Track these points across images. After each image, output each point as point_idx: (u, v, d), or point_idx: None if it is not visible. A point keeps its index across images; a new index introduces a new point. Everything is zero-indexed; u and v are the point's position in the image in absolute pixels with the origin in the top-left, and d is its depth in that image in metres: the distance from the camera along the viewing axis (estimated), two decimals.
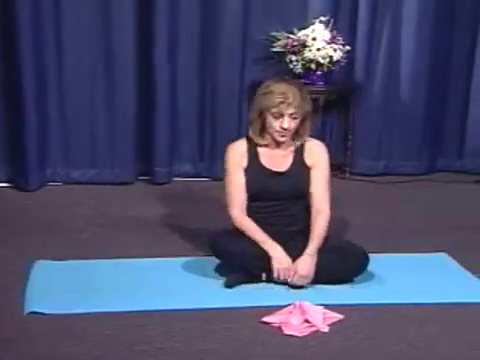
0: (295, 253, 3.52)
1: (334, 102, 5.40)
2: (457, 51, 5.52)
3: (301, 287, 3.49)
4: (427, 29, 5.40)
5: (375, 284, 3.58)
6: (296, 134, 3.62)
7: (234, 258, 3.52)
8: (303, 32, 5.14)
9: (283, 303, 3.27)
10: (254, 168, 3.62)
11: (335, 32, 5.16)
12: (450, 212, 4.77)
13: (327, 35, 5.13)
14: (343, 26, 5.31)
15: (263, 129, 3.61)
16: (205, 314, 3.23)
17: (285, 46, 5.15)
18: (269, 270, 3.51)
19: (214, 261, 3.64)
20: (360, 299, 3.40)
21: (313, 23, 5.16)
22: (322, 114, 5.28)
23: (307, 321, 3.14)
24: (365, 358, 2.94)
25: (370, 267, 3.60)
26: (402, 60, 5.46)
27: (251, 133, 3.64)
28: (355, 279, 3.58)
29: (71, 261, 3.81)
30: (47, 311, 3.21)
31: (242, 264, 3.51)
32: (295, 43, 5.12)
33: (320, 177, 3.64)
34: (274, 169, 3.63)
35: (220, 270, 3.63)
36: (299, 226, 3.64)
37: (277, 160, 3.64)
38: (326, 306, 3.26)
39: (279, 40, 5.18)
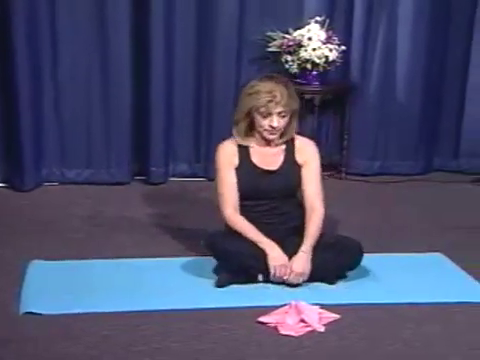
0: (291, 250, 3.53)
1: (330, 102, 5.40)
2: (453, 51, 5.52)
3: (297, 286, 3.49)
4: (423, 29, 5.40)
5: (371, 284, 3.59)
6: (283, 132, 3.62)
7: (231, 257, 3.52)
8: (299, 32, 5.13)
9: (279, 303, 3.28)
10: (245, 167, 3.63)
11: (331, 32, 5.16)
12: (446, 212, 4.77)
13: (323, 35, 5.12)
14: (339, 26, 5.31)
15: (251, 128, 3.62)
16: (201, 314, 3.24)
17: (281, 46, 5.14)
18: (266, 270, 3.51)
19: (210, 261, 3.64)
20: (356, 299, 3.41)
21: (309, 23, 5.16)
22: (318, 114, 5.28)
23: (303, 321, 3.15)
24: (361, 358, 2.94)
25: (366, 267, 3.61)
26: (398, 60, 5.45)
27: (235, 133, 3.64)
28: (351, 277, 3.59)
29: (67, 261, 3.81)
30: (43, 311, 3.21)
31: (239, 264, 3.51)
32: (291, 43, 5.12)
33: (312, 175, 3.66)
34: (265, 168, 3.64)
35: (216, 270, 3.63)
36: (293, 224, 3.65)
37: (268, 159, 3.65)
38: (322, 306, 3.27)
39: (275, 40, 5.18)
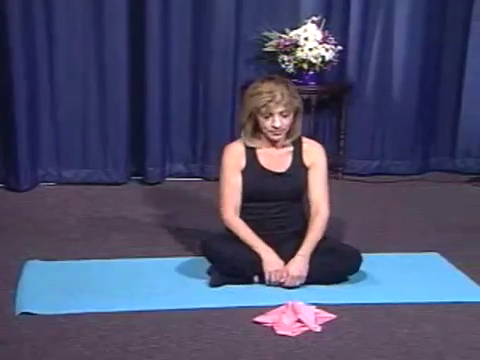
0: (288, 255, 3.51)
1: (326, 102, 5.40)
2: (449, 51, 5.53)
3: (294, 287, 3.49)
4: (419, 29, 5.41)
5: (367, 283, 3.59)
6: (288, 132, 3.61)
7: (225, 261, 3.50)
8: (295, 32, 5.14)
9: (275, 303, 3.27)
10: (253, 169, 3.61)
11: (327, 32, 5.17)
12: (442, 212, 4.78)
13: (319, 35, 5.13)
14: (335, 26, 5.31)
15: (257, 130, 3.61)
16: (198, 314, 3.23)
17: (277, 46, 5.15)
18: (261, 274, 3.50)
19: (206, 261, 3.63)
20: (352, 299, 3.40)
21: (305, 23, 5.16)
22: (314, 114, 5.28)
23: (299, 321, 3.15)
24: (357, 358, 2.94)
25: (362, 267, 3.60)
26: (394, 60, 5.46)
27: (243, 136, 3.63)
28: (347, 279, 3.59)
29: (63, 261, 3.80)
30: (39, 312, 3.21)
31: (233, 268, 3.49)
32: (287, 43, 5.12)
33: (319, 177, 3.64)
34: (273, 170, 3.62)
35: (210, 270, 3.63)
36: (294, 228, 3.63)
37: (276, 160, 3.64)
38: (318, 306, 3.27)
39: (271, 40, 5.18)
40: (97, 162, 5.22)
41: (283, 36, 5.15)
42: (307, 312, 3.18)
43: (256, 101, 3.52)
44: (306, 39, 5.10)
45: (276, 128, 3.54)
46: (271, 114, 3.52)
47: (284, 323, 3.13)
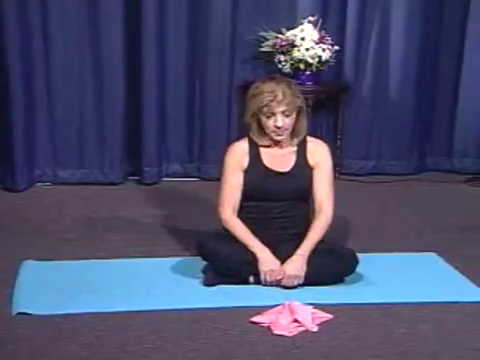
0: (285, 255, 3.50)
1: (323, 102, 5.40)
2: (446, 51, 5.53)
3: (291, 287, 3.48)
4: (416, 29, 5.41)
5: (364, 284, 3.58)
6: (293, 132, 3.61)
7: (221, 261, 3.49)
8: (292, 32, 5.14)
9: (272, 303, 3.27)
10: (256, 168, 3.60)
11: (324, 32, 5.16)
12: (439, 212, 4.78)
13: (316, 35, 5.13)
14: (332, 26, 5.31)
15: (261, 130, 3.60)
16: (194, 314, 3.23)
17: (274, 46, 5.15)
18: (257, 274, 3.49)
19: (203, 261, 3.63)
20: (349, 299, 3.40)
21: (302, 23, 5.16)
22: (311, 114, 5.27)
23: (296, 321, 3.14)
24: (354, 357, 2.94)
25: (359, 267, 3.60)
26: (391, 60, 5.47)
27: (252, 134, 3.62)
28: (344, 279, 3.59)
29: (60, 261, 3.80)
30: (36, 312, 3.20)
31: (229, 268, 3.49)
32: (284, 43, 5.12)
33: (324, 177, 3.63)
34: (277, 169, 3.61)
35: (205, 270, 3.62)
36: (297, 230, 3.61)
37: (279, 160, 3.62)
38: (315, 306, 3.26)
39: (268, 40, 5.18)
40: (93, 162, 5.21)
41: (280, 36, 5.15)
42: (304, 312, 3.18)
43: (258, 101, 3.51)
44: (303, 39, 5.10)
45: (278, 128, 3.52)
46: (273, 114, 3.51)
47: (281, 323, 3.13)
